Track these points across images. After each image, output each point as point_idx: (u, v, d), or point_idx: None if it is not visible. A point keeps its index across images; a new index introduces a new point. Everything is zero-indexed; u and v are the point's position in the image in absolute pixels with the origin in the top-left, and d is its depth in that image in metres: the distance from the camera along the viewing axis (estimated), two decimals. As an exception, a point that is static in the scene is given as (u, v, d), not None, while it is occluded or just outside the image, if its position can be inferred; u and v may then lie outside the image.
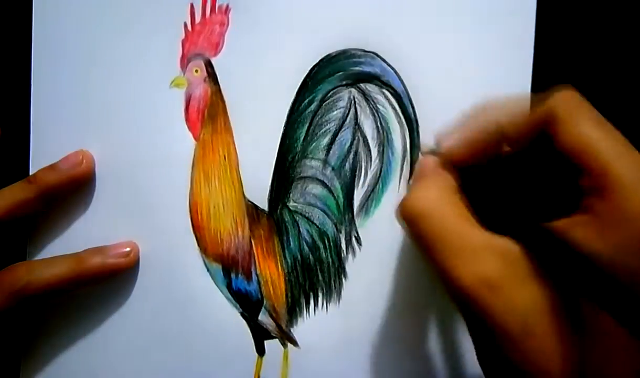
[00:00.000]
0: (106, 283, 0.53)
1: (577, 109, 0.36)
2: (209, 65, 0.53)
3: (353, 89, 0.54)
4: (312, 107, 0.53)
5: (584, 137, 0.35)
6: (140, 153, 0.53)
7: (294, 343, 0.53)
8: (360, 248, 0.53)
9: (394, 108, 0.53)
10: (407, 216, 0.39)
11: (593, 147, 0.35)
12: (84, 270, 0.50)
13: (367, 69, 0.53)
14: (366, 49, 0.53)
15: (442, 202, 0.38)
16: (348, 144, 0.54)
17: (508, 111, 0.37)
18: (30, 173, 0.53)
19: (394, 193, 0.53)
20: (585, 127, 0.35)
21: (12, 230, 0.52)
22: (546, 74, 0.53)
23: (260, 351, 0.53)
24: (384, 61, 0.53)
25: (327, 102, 0.53)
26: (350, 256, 0.53)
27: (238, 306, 0.53)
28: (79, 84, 0.54)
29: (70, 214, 0.54)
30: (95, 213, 0.54)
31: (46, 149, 0.53)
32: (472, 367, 0.52)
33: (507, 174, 0.40)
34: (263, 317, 0.53)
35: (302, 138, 0.53)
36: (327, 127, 0.54)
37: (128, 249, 0.52)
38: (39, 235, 0.54)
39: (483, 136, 0.37)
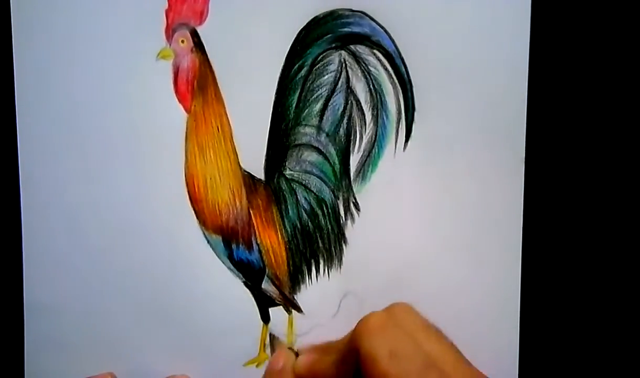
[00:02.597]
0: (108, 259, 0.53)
1: None
2: (194, 34, 0.52)
3: (343, 52, 0.52)
4: (303, 72, 0.52)
5: None
6: (132, 129, 0.53)
7: (298, 309, 0.54)
8: (358, 214, 0.53)
9: (386, 69, 0.52)
10: None
11: None
12: None
13: (356, 29, 0.52)
14: (354, 9, 0.52)
15: None
16: (341, 109, 0.53)
17: None
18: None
19: (390, 157, 0.53)
20: None
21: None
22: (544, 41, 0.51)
23: (265, 318, 0.54)
24: (372, 20, 0.52)
25: (317, 66, 0.52)
26: (349, 222, 0.53)
27: (241, 275, 0.54)
28: (63, 65, 0.52)
29: (67, 195, 0.53)
30: (91, 193, 0.53)
31: (33, 130, 0.53)
32: (472, 325, 0.53)
33: None
34: (266, 285, 0.54)
35: (294, 105, 0.53)
36: (319, 92, 0.53)
37: None
38: (35, 225, 0.54)
39: None
